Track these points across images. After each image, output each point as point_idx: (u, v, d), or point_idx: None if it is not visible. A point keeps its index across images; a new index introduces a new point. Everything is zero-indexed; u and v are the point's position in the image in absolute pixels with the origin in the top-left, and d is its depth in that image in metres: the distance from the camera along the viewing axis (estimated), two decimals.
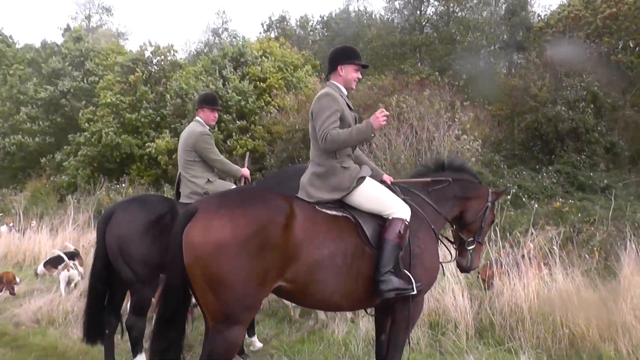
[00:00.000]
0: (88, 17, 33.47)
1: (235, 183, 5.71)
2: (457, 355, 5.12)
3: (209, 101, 5.66)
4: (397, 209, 3.79)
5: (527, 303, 5.56)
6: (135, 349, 4.79)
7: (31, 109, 24.08)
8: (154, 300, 4.92)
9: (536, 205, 9.68)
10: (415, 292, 3.71)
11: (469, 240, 4.44)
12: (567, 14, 21.49)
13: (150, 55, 22.48)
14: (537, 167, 17.28)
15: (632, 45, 20.56)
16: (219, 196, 3.64)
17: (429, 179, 4.33)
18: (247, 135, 18.84)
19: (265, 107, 19.28)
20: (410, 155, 13.57)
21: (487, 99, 21.54)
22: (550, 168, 16.79)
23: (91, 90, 23.69)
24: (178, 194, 5.52)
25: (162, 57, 22.26)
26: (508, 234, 8.19)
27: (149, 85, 21.67)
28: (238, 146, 18.24)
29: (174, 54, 22.66)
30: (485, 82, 23.46)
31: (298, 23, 32.56)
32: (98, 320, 4.85)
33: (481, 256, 4.72)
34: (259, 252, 3.25)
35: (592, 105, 17.65)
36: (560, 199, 11.47)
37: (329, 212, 3.73)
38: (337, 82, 4.03)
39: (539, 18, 27.07)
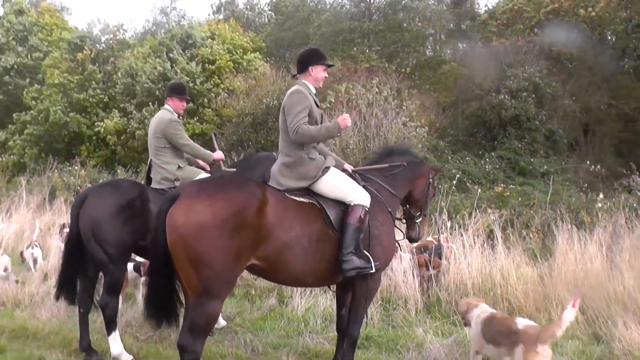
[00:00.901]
0: None
1: (210, 167, 5.91)
2: (407, 329, 5.49)
3: (178, 91, 5.80)
4: (358, 196, 4.14)
5: (471, 280, 5.97)
6: (110, 326, 4.95)
7: None
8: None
9: (479, 190, 10.20)
10: (373, 270, 4.08)
11: (417, 214, 4.88)
12: (511, 7, 22.21)
13: (99, 33, 22.07)
14: (481, 153, 17.98)
15: (571, 38, 21.49)
16: (199, 182, 3.98)
17: (386, 165, 4.66)
18: (195, 119, 18.81)
19: (214, 89, 19.26)
20: (358, 141, 13.94)
21: (433, 86, 22.18)
22: (492, 154, 17.50)
23: (35, 67, 23.05)
24: (149, 180, 5.65)
25: (111, 35, 21.85)
26: (453, 217, 8.66)
27: (97, 64, 21.26)
28: (186, 129, 18.20)
29: (123, 33, 22.28)
30: (431, 70, 24.14)
31: (247, 6, 32.39)
32: (71, 296, 5.07)
33: (425, 227, 5.20)
34: (235, 232, 3.56)
35: (533, 95, 18.44)
36: (502, 184, 12.07)
37: (297, 198, 4.06)
38: (307, 81, 4.35)
39: (484, 9, 27.86)
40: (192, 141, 5.71)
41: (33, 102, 20.93)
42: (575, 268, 6.13)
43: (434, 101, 19.65)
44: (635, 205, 8.83)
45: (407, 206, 4.91)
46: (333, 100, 14.42)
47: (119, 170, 15.73)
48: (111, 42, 22.00)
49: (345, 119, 4.24)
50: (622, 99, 21.11)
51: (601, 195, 9.28)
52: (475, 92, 19.33)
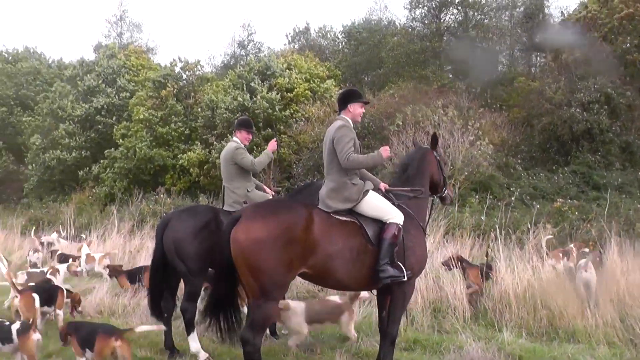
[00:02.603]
0: (120, 35, 35.06)
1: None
2: (453, 334, 6.04)
3: (246, 125, 6.75)
4: (393, 215, 4.87)
5: (513, 289, 6.44)
6: (189, 328, 5.86)
7: (68, 125, 25.61)
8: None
9: (538, 206, 10.47)
10: (405, 279, 4.77)
11: (443, 189, 5.62)
12: (586, 14, 21.99)
13: (180, 71, 23.77)
14: (554, 168, 17.94)
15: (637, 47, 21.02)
16: (256, 206, 4.94)
17: (408, 189, 5.31)
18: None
19: (292, 116, 20.28)
20: None
21: (505, 102, 22.23)
22: (566, 169, 17.44)
23: (123, 106, 25.14)
24: (224, 203, 6.57)
25: (191, 72, 23.51)
26: (511, 233, 9.02)
27: (177, 99, 22.92)
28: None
29: (201, 69, 23.90)
30: (503, 87, 24.16)
31: (319, 34, 33.56)
32: (158, 303, 6.02)
33: (451, 189, 6.06)
34: (285, 246, 4.42)
35: (605, 106, 18.21)
36: (559, 199, 12.17)
37: (340, 217, 4.85)
38: (347, 116, 5.13)
39: (559, 17, 27.53)
40: (254, 158, 6.51)
41: (121, 139, 22.89)
42: (619, 278, 6.43)
43: (505, 118, 19.75)
44: None
45: (434, 191, 5.57)
46: (401, 123, 14.98)
47: (200, 197, 16.89)
48: (191, 78, 23.64)
49: (387, 150, 5.10)
50: None
51: None
52: (545, 107, 19.29)
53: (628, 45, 20.66)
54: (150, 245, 12.07)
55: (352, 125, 5.10)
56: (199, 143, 21.12)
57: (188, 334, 5.88)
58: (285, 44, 33.03)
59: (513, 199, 11.23)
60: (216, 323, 4.84)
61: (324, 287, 5.51)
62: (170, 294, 6.13)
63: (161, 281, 6.02)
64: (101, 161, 23.62)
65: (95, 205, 19.87)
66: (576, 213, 10.37)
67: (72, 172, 24.98)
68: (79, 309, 7.38)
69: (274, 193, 6.99)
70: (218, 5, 61.14)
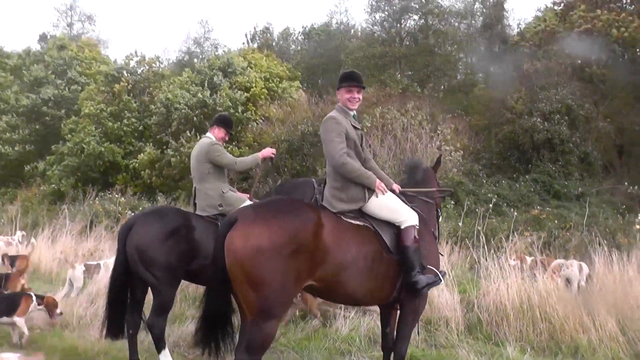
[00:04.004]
0: (70, 25, 33.58)
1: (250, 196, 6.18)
2: (450, 349, 5.65)
3: (226, 123, 6.09)
4: (408, 216, 4.35)
5: (510, 301, 6.10)
6: (159, 345, 5.23)
7: (11, 117, 24.22)
8: None
9: (515, 213, 10.30)
10: (443, 280, 4.33)
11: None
12: (544, 27, 22.28)
13: (135, 65, 22.82)
14: (515, 176, 17.97)
15: (604, 59, 21.45)
16: (255, 207, 4.15)
17: (434, 189, 4.89)
18: (234, 144, 19.23)
19: (252, 118, 19.72)
20: (393, 165, 14.13)
21: (465, 110, 22.27)
22: (527, 177, 17.49)
23: (73, 99, 23.94)
24: (195, 206, 5.91)
25: (148, 67, 22.61)
26: (491, 240, 8.78)
27: (132, 94, 21.97)
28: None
29: (159, 65, 23.02)
30: (463, 94, 24.27)
31: (281, 35, 33.09)
32: (119, 319, 5.30)
33: None
34: (292, 256, 3.74)
35: (566, 117, 18.39)
36: (538, 207, 12.10)
37: (352, 221, 4.27)
38: (340, 103, 4.60)
39: (516, 30, 27.97)
40: (235, 157, 5.92)
41: (70, 134, 21.72)
42: (615, 289, 6.20)
43: (466, 125, 19.74)
44: None
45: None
46: (369, 125, 14.66)
47: (159, 198, 16.12)
48: (148, 73, 22.71)
49: (379, 187, 4.39)
50: None
51: (639, 217, 9.30)
52: (507, 116, 19.38)
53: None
54: (105, 247, 11.34)
55: (350, 113, 4.54)
56: (151, 143, 20.33)
57: (158, 351, 5.25)
58: (243, 43, 32.38)
59: (491, 205, 11.01)
60: (211, 344, 4.13)
61: (331, 301, 4.90)
62: (136, 307, 5.40)
63: (122, 293, 5.31)
64: (47, 157, 22.36)
65: (42, 204, 18.70)
66: (555, 221, 10.26)
67: (15, 168, 23.60)
68: (58, 311, 6.60)
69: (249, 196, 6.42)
70: (172, 1, 59.83)
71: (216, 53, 26.25)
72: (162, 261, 5.09)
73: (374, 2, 27.37)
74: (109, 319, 5.30)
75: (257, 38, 32.87)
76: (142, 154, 19.64)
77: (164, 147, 19.57)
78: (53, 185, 20.65)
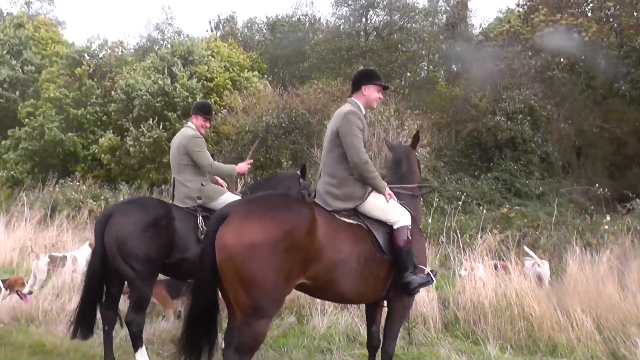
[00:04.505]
0: (28, 4, 32.25)
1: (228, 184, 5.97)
2: (429, 347, 5.58)
3: (205, 110, 5.84)
4: (401, 217, 4.25)
5: (488, 299, 6.08)
6: (136, 343, 4.98)
7: None
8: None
9: (485, 211, 10.35)
10: (435, 281, 4.25)
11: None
12: (508, 28, 22.55)
13: (97, 49, 22.10)
14: (476, 174, 18.17)
15: (564, 62, 21.87)
16: (248, 201, 3.98)
17: (415, 185, 4.80)
18: None
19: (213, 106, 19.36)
20: None
21: (429, 107, 22.40)
22: (488, 175, 17.69)
23: (28, 81, 23.05)
24: (173, 197, 5.68)
25: (110, 51, 21.93)
26: (460, 237, 8.77)
27: (93, 79, 21.29)
28: None
29: (122, 50, 22.38)
30: (426, 91, 24.42)
31: (245, 24, 32.68)
32: (91, 316, 5.04)
33: None
34: (285, 253, 3.59)
35: (529, 118, 18.68)
36: (506, 205, 12.22)
37: (345, 219, 4.14)
38: (359, 100, 4.45)
39: (479, 30, 28.27)
40: (213, 160, 5.69)
41: (27, 118, 20.86)
42: (587, 288, 6.25)
43: (430, 122, 19.85)
44: (639, 227, 8.99)
45: None
46: None
47: (121, 187, 15.65)
48: (110, 58, 22.03)
49: (391, 195, 4.32)
50: (614, 122, 21.46)
51: (608, 217, 9.45)
52: (471, 113, 19.56)
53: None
54: (67, 238, 10.90)
55: (363, 111, 4.43)
56: (112, 130, 19.73)
57: (135, 349, 5.00)
58: (207, 31, 31.83)
59: (460, 203, 11.05)
60: (196, 344, 3.89)
61: (321, 299, 4.72)
62: (111, 303, 5.15)
63: (99, 288, 5.05)
64: (3, 142, 21.46)
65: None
66: (525, 220, 10.35)
67: None
68: (26, 290, 6.23)
69: (226, 185, 6.22)
70: None
71: (183, 39, 25.61)
72: (142, 253, 4.85)
73: None
74: (81, 316, 5.02)
75: (221, 27, 32.34)
76: (102, 139, 19.01)
77: (125, 134, 19.05)
78: (10, 172, 19.80)
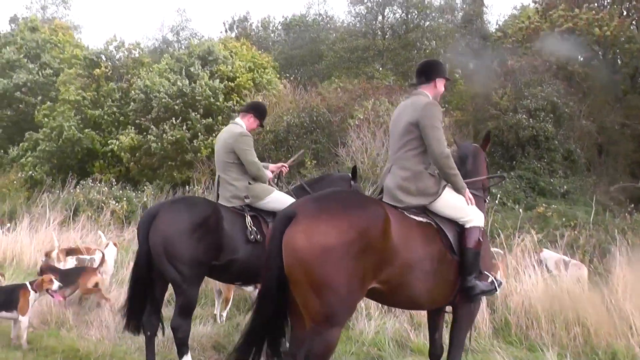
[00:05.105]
0: (44, 8, 32.23)
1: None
2: (482, 354, 5.37)
3: (260, 112, 5.68)
4: (474, 216, 4.05)
5: (540, 302, 5.86)
6: (182, 350, 4.80)
7: None
8: None
9: (521, 210, 10.13)
10: (498, 290, 4.03)
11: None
12: (529, 24, 22.26)
13: (114, 50, 22.00)
14: (499, 172, 17.89)
15: (582, 58, 21.60)
16: (315, 200, 3.67)
17: (484, 177, 4.60)
18: (214, 135, 18.72)
19: (234, 107, 19.21)
20: (385, 159, 13.86)
21: (449, 105, 22.16)
22: (512, 174, 17.42)
23: (47, 85, 22.96)
24: (218, 196, 5.51)
25: (127, 53, 21.84)
26: (496, 237, 8.57)
27: (113, 81, 21.19)
28: (203, 147, 18.09)
29: (139, 51, 22.28)
30: (446, 89, 24.14)
31: (260, 24, 32.52)
32: (138, 320, 4.92)
33: None
34: (360, 255, 3.36)
35: (551, 115, 18.40)
36: (543, 204, 11.98)
37: (416, 218, 3.92)
38: (428, 92, 4.23)
39: (496, 27, 27.96)
40: (259, 161, 5.50)
41: (45, 119, 20.76)
42: None
43: (450, 120, 19.60)
44: None
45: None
46: (362, 117, 14.37)
47: (145, 187, 15.49)
48: (127, 59, 21.92)
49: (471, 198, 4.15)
50: (636, 119, 21.15)
51: None
52: (491, 112, 19.30)
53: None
54: (90, 240, 10.81)
55: None
56: (133, 127, 19.61)
57: (181, 356, 4.82)
58: (221, 32, 31.71)
59: (497, 201, 10.83)
60: (256, 357, 3.65)
61: (389, 305, 4.48)
62: (154, 307, 4.96)
63: (145, 291, 4.89)
64: (21, 144, 21.37)
65: (19, 192, 17.78)
66: (563, 219, 10.13)
67: None
68: (56, 287, 6.01)
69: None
70: None
71: (198, 40, 25.49)
72: (190, 255, 4.67)
73: None
74: (130, 318, 4.93)
75: (235, 27, 32.19)
76: (123, 136, 18.88)
77: (144, 133, 18.93)
78: (29, 172, 19.69)
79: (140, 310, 4.91)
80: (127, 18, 58.98)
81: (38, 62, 23.62)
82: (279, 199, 5.29)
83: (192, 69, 19.52)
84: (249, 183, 5.34)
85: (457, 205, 4.07)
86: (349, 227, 3.37)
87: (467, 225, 4.00)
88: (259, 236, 5.04)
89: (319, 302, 3.35)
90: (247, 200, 5.26)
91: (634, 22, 21.57)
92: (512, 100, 19.20)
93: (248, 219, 5.12)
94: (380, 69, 25.00)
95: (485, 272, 4.06)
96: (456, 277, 3.99)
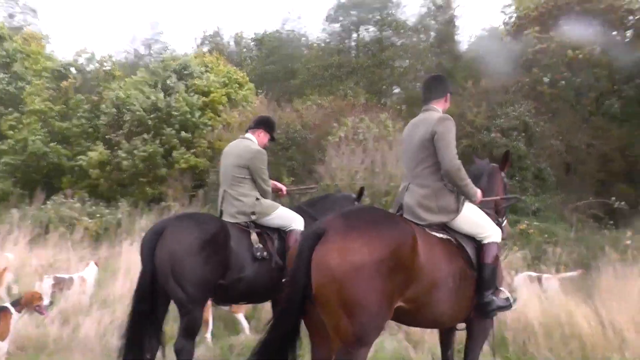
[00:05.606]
0: (11, 16, 31.43)
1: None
2: None
3: (271, 126, 5.65)
4: (492, 232, 4.09)
5: (537, 318, 5.92)
6: None
7: None
8: None
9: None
10: (513, 307, 4.07)
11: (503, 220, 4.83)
12: (501, 46, 22.73)
13: (85, 62, 21.68)
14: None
15: (548, 80, 22.13)
16: (345, 217, 3.60)
17: (499, 197, 4.67)
18: (191, 151, 18.55)
19: (209, 124, 19.08)
20: (365, 177, 13.88)
21: None
22: None
23: (18, 96, 22.42)
24: (221, 212, 5.40)
25: (99, 65, 21.53)
26: None
27: (82, 93, 20.81)
28: (182, 160, 17.93)
29: (111, 64, 21.98)
30: (420, 108, 24.44)
31: (232, 39, 32.50)
32: (140, 343, 4.68)
33: None
34: (390, 273, 3.35)
35: (523, 134, 18.76)
36: (525, 221, 12.15)
37: (437, 234, 3.92)
38: (439, 107, 4.27)
39: (467, 47, 28.49)
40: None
41: (10, 131, 20.24)
42: (636, 307, 6.14)
43: None
44: None
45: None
46: (342, 135, 14.41)
47: (120, 202, 15.16)
48: (98, 72, 21.58)
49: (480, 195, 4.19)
50: (601, 139, 21.74)
51: (629, 232, 9.41)
52: (466, 130, 19.58)
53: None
54: (64, 257, 10.46)
55: None
56: (102, 143, 19.26)
57: None
58: (193, 47, 31.55)
59: None
60: None
61: (410, 325, 4.43)
62: (155, 329, 4.77)
63: (148, 312, 4.69)
64: None
65: None
66: (545, 235, 10.29)
67: None
68: (46, 302, 5.82)
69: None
70: (116, 1, 57.83)
71: (172, 54, 25.28)
72: (198, 274, 4.54)
73: (331, 12, 27.28)
74: (129, 345, 4.67)
75: (207, 42, 32.09)
76: (91, 152, 18.53)
77: (115, 148, 18.62)
78: None
79: (143, 333, 4.70)
80: (97, 29, 58.15)
81: (9, 71, 22.99)
82: (283, 216, 5.27)
83: (168, 82, 19.33)
84: (257, 199, 5.27)
85: (476, 222, 4.10)
86: (381, 245, 3.36)
87: (485, 241, 4.04)
88: (265, 253, 4.98)
89: (350, 322, 3.29)
90: (253, 217, 5.18)
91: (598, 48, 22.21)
92: (486, 119, 19.53)
93: (254, 236, 5.05)
94: (354, 86, 25.15)
95: (502, 289, 4.10)
96: (474, 293, 4.01)
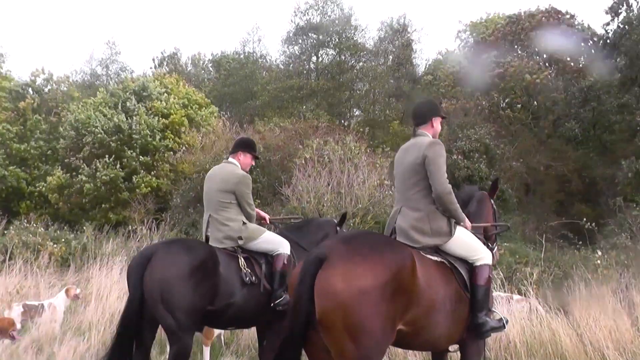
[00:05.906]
0: None
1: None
2: None
3: (251, 147, 5.56)
4: (484, 254, 4.11)
5: (518, 337, 5.89)
6: None
7: None
8: None
9: None
10: (506, 328, 4.08)
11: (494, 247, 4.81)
12: (459, 69, 23.19)
13: (42, 83, 21.15)
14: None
15: (507, 103, 22.71)
16: (346, 242, 3.61)
17: (489, 224, 4.72)
18: (152, 173, 18.20)
19: (170, 147, 18.79)
20: (332, 199, 13.81)
21: (386, 145, 22.59)
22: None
23: None
24: (207, 238, 5.28)
25: (56, 86, 21.03)
26: None
27: (40, 114, 20.27)
28: (143, 184, 17.55)
29: (69, 85, 21.49)
30: (381, 130, 24.67)
31: (190, 60, 32.24)
32: None
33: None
34: (393, 296, 3.37)
35: (484, 156, 19.08)
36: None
37: (431, 257, 3.92)
38: (428, 132, 4.27)
39: (425, 69, 28.95)
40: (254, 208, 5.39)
41: None
42: (612, 324, 6.18)
43: (387, 161, 19.96)
44: (626, 262, 9.12)
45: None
46: (308, 156, 14.32)
47: (85, 225, 14.65)
48: (56, 92, 21.09)
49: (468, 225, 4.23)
50: (559, 160, 22.32)
51: (599, 252, 9.54)
52: None
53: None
54: (32, 284, 10.04)
55: None
56: (60, 167, 18.75)
57: None
58: (151, 68, 31.15)
59: None
60: None
61: (407, 349, 4.35)
62: (142, 356, 4.59)
63: (133, 339, 4.52)
64: None
65: None
66: (517, 256, 10.37)
67: None
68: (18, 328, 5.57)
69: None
70: (73, 21, 56.87)
71: (130, 75, 24.91)
72: (188, 300, 4.41)
73: (290, 35, 27.37)
74: None
75: (165, 63, 31.75)
76: (50, 177, 17.97)
77: (74, 172, 18.12)
78: None
79: None
80: (53, 48, 56.88)
81: None
82: (270, 240, 5.22)
83: (128, 104, 18.98)
84: (243, 223, 5.17)
85: (469, 244, 4.13)
86: (384, 269, 3.38)
87: (478, 263, 4.05)
88: (253, 278, 4.91)
89: (355, 347, 3.26)
90: (240, 242, 5.08)
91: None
92: (447, 141, 19.78)
93: (241, 261, 4.96)
94: (315, 109, 25.23)
95: (495, 310, 4.11)
96: (468, 315, 4.00)
